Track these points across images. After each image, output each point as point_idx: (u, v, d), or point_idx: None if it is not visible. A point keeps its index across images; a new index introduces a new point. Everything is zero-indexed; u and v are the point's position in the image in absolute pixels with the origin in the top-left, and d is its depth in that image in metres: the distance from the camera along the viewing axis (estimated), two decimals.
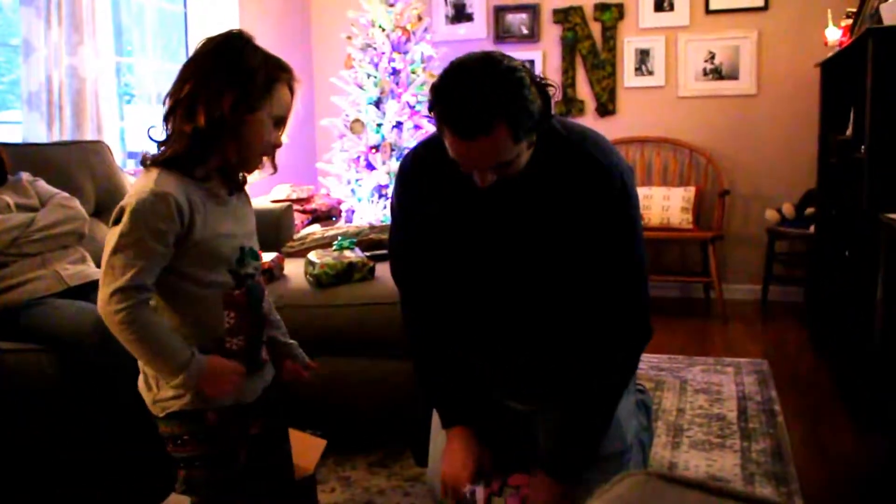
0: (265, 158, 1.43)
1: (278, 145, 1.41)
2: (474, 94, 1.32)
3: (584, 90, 4.75)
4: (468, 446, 1.62)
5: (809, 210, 4.13)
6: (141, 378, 1.44)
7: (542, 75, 1.42)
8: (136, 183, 1.35)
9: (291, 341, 1.62)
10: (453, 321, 1.72)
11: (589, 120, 4.71)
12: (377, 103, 4.23)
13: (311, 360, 1.63)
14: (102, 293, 1.28)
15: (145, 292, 1.31)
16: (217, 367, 1.38)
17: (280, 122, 1.40)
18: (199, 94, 1.31)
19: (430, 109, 1.41)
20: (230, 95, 1.30)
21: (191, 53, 1.37)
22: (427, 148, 1.63)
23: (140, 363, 1.42)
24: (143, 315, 1.30)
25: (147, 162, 1.35)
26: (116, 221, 1.30)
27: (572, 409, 1.58)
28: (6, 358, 1.90)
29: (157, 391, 1.40)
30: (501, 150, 1.37)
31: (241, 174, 1.46)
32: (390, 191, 4.10)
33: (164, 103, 1.35)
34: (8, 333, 2.01)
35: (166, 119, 1.35)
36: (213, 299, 1.39)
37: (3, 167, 2.29)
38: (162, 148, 1.36)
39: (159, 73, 4.31)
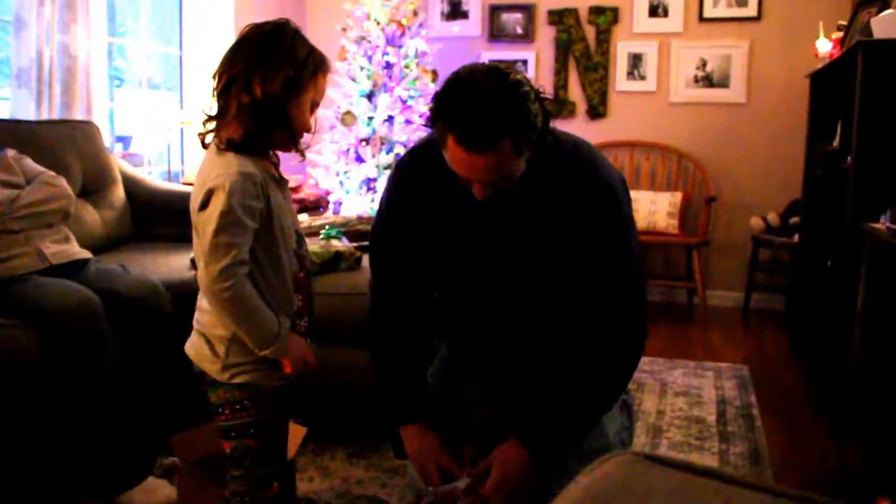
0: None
1: (310, 129, 1.50)
2: (483, 107, 1.33)
3: (575, 92, 4.76)
4: (434, 437, 1.61)
5: (794, 219, 4.16)
6: (203, 347, 1.49)
7: (538, 86, 1.42)
8: (213, 166, 1.41)
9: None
10: (440, 318, 1.72)
11: (579, 122, 4.73)
12: (369, 96, 4.22)
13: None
14: (210, 271, 1.37)
15: (245, 267, 1.40)
16: (299, 345, 1.51)
17: (314, 107, 1.50)
18: (254, 71, 1.39)
19: (431, 118, 1.41)
20: (283, 75, 1.40)
21: (238, 37, 1.46)
22: (424, 152, 1.63)
23: (204, 333, 1.49)
24: (245, 288, 1.40)
25: (220, 146, 1.42)
26: (204, 205, 1.38)
27: (570, 390, 1.55)
28: None
29: (226, 358, 1.46)
30: (504, 164, 1.38)
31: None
32: (379, 184, 4.11)
33: (215, 80, 1.44)
34: None
35: (221, 94, 1.43)
36: (286, 282, 1.49)
37: None
38: (214, 124, 1.45)
39: (152, 56, 4.29)
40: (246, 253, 1.40)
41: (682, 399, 2.92)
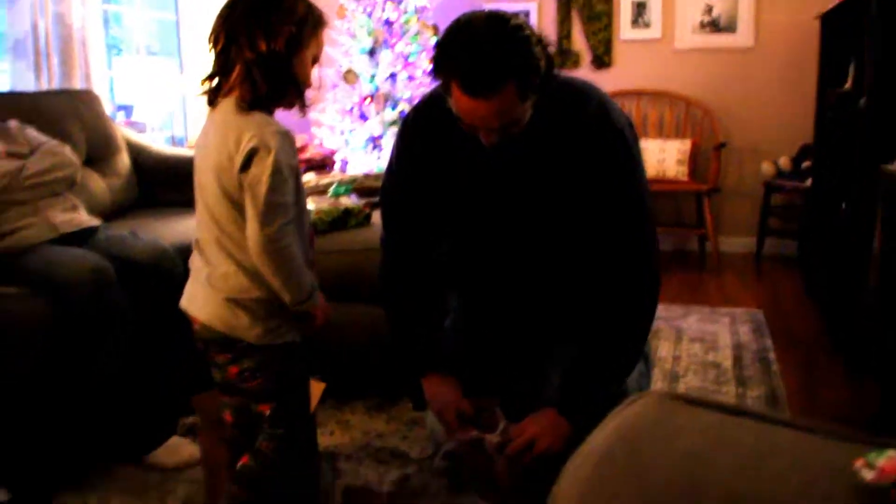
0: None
1: (311, 84, 1.49)
2: (486, 52, 1.33)
3: (579, 42, 4.68)
4: (454, 385, 1.62)
5: (806, 164, 4.11)
6: (237, 315, 1.45)
7: (539, 33, 1.41)
8: (244, 126, 1.39)
9: None
10: (453, 272, 1.72)
11: (585, 72, 4.66)
12: (371, 53, 4.16)
13: None
14: (267, 232, 1.37)
15: (292, 224, 1.42)
16: (321, 297, 1.53)
17: (314, 62, 1.49)
18: (257, 29, 1.38)
19: (434, 67, 1.41)
20: (286, 32, 1.39)
21: None
22: (430, 105, 1.62)
23: (236, 298, 1.45)
24: (295, 246, 1.43)
25: (242, 105, 1.40)
26: (246, 165, 1.37)
27: (592, 348, 1.56)
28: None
29: (266, 321, 1.46)
30: (509, 109, 1.38)
31: None
32: (384, 141, 4.07)
33: (212, 38, 1.42)
34: (1, 279, 1.99)
35: (221, 53, 1.41)
36: (306, 237, 1.51)
37: None
38: (216, 80, 1.43)
39: (149, 22, 4.23)
40: (293, 211, 1.42)
41: (697, 345, 2.92)
